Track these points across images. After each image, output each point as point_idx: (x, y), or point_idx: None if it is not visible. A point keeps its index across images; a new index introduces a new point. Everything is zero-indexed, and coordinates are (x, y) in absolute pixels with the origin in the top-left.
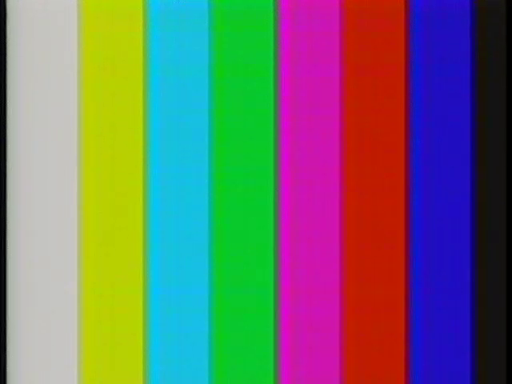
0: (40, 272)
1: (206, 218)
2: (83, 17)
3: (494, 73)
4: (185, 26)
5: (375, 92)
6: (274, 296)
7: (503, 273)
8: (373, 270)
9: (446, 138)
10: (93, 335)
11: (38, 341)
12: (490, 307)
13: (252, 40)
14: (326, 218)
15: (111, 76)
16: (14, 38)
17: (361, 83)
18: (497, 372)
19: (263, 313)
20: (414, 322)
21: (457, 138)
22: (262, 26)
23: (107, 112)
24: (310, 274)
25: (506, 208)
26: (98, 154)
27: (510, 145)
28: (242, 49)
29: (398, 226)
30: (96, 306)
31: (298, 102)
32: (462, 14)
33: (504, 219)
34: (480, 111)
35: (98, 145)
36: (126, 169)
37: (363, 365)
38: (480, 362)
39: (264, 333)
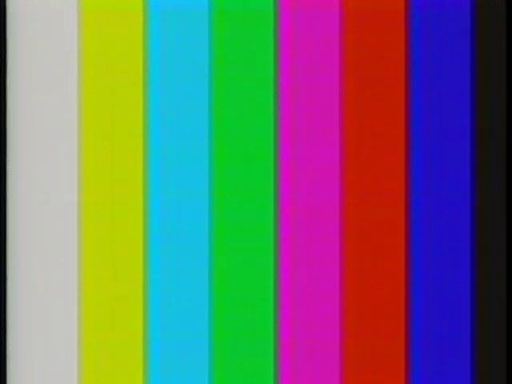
0: (40, 272)
1: (206, 218)
2: (83, 17)
3: (494, 73)
4: (185, 26)
5: (375, 91)
6: (274, 296)
7: (503, 273)
8: (373, 271)
9: (446, 138)
10: (93, 336)
11: (38, 341)
12: (490, 307)
13: (252, 40)
14: (326, 218)
15: (111, 76)
16: (14, 38)
17: (361, 83)
18: (497, 372)
19: (263, 313)
20: (414, 323)
21: (457, 139)
22: (262, 26)
23: (107, 112)
24: (311, 274)
25: (506, 208)
26: (99, 153)
27: (510, 145)
28: (242, 49)
29: (398, 226)
30: (96, 306)
31: (297, 102)
32: (461, 14)
33: (504, 220)
34: (480, 111)
35: (98, 145)
36: (126, 168)
37: (363, 366)
38: (480, 362)
39: (264, 333)
